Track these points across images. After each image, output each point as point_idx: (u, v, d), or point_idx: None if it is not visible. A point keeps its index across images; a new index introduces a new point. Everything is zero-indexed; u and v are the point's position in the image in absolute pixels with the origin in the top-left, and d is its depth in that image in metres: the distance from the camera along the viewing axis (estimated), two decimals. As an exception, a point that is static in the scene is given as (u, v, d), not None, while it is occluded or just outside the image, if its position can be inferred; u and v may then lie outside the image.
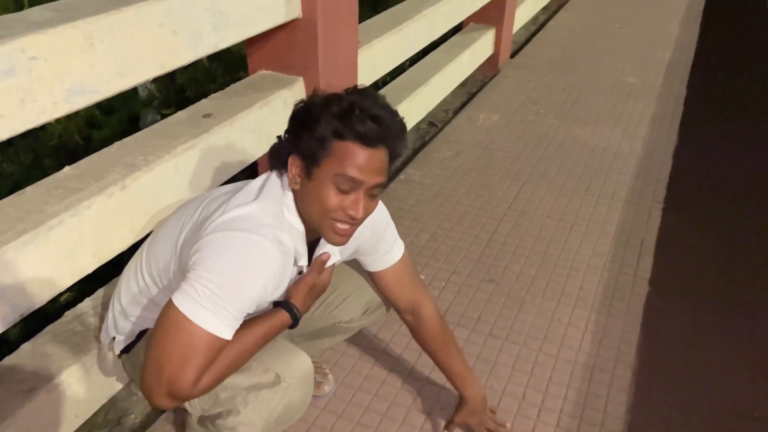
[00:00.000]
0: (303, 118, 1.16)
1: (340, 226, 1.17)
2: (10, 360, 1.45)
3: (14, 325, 1.36)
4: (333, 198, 1.14)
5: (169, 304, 1.07)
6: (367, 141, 1.11)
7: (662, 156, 3.13)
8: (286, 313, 1.21)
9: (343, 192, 1.14)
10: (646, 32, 5.11)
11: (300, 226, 1.22)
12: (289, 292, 1.25)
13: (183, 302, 1.06)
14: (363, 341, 1.90)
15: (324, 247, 1.30)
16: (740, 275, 2.30)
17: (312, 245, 1.29)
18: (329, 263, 1.32)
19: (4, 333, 1.35)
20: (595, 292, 2.17)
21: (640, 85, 4.01)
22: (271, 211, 1.17)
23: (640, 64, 4.39)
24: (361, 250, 1.42)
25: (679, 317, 2.07)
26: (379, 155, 1.14)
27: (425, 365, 1.81)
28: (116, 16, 1.36)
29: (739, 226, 2.59)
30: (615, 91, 3.90)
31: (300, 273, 1.28)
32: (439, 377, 1.69)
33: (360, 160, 1.11)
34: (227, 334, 1.08)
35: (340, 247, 1.32)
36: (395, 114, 1.17)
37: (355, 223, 1.18)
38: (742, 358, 1.92)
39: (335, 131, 1.11)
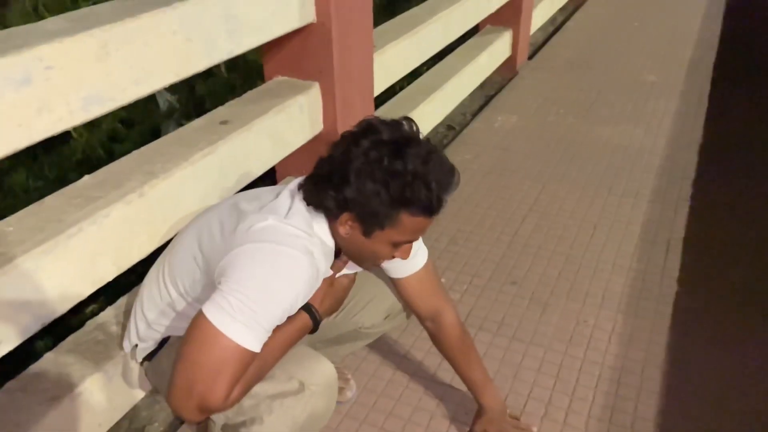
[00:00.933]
0: (361, 178, 1.10)
1: (382, 263, 1.29)
2: (33, 369, 1.46)
3: (40, 339, 1.36)
4: (389, 253, 1.21)
5: (200, 316, 1.06)
6: (435, 213, 1.15)
7: (687, 153, 3.06)
8: (307, 316, 1.21)
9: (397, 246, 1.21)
10: (667, 29, 5.03)
11: (330, 243, 1.23)
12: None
13: (215, 315, 1.05)
14: (384, 346, 1.88)
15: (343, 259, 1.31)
16: (772, 272, 2.23)
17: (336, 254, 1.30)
18: (347, 271, 1.32)
19: (30, 346, 1.35)
20: (621, 292, 2.12)
21: (662, 83, 3.94)
22: (302, 225, 1.17)
23: (661, 61, 4.32)
24: None
25: (709, 317, 2.02)
26: None
27: (448, 369, 1.76)
28: (130, 24, 1.37)
29: (769, 223, 2.53)
30: (635, 90, 3.84)
31: None
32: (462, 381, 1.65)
33: (424, 227, 1.18)
34: (258, 347, 1.07)
35: None
36: (455, 172, 1.17)
37: None
38: (776, 358, 1.86)
39: (407, 209, 1.12)
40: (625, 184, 2.79)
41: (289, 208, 1.18)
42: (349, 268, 1.34)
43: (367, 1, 2.17)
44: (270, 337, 1.12)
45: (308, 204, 1.19)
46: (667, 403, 1.69)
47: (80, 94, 1.28)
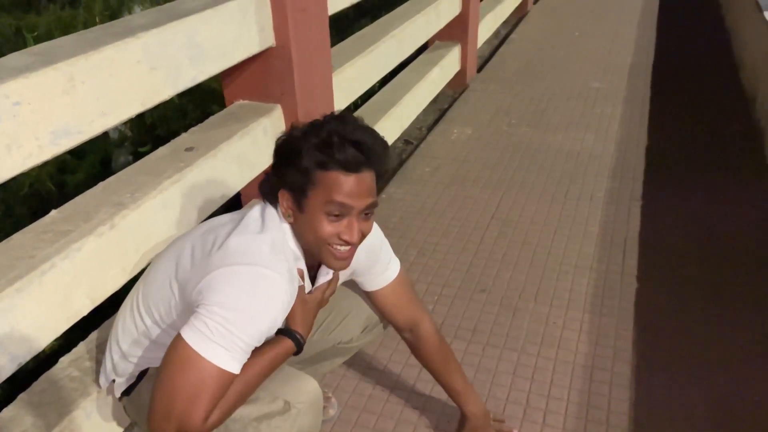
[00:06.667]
0: (285, 152, 1.17)
1: (339, 249, 1.19)
2: (7, 412, 1.41)
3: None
4: (326, 226, 1.16)
5: (179, 340, 1.06)
6: (351, 167, 1.12)
7: (635, 155, 3.20)
8: (290, 341, 1.21)
9: (336, 218, 1.15)
10: (606, 38, 5.25)
11: (300, 254, 1.23)
12: (288, 318, 1.25)
13: (194, 338, 1.05)
14: (363, 361, 1.90)
15: (326, 275, 1.31)
16: (722, 264, 2.35)
17: (312, 269, 1.30)
18: (324, 280, 1.33)
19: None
20: (585, 293, 2.20)
21: (606, 89, 4.11)
22: (278, 242, 1.18)
23: (604, 69, 4.51)
24: (358, 272, 1.42)
25: (670, 310, 2.11)
26: (366, 178, 1.15)
27: (427, 380, 1.80)
28: (95, 57, 1.36)
29: (716, 216, 2.66)
30: (582, 97, 3.99)
31: None
32: (442, 390, 1.69)
33: (346, 187, 1.13)
34: (237, 369, 1.08)
35: None
36: (375, 134, 1.18)
37: (352, 245, 1.19)
38: (734, 344, 1.96)
39: (318, 162, 1.12)
40: (581, 188, 2.89)
41: (262, 222, 1.19)
42: (325, 276, 1.34)
43: (324, 23, 2.20)
44: (253, 362, 1.12)
45: (264, 200, 1.22)
46: (638, 395, 1.76)
47: (49, 129, 1.27)
